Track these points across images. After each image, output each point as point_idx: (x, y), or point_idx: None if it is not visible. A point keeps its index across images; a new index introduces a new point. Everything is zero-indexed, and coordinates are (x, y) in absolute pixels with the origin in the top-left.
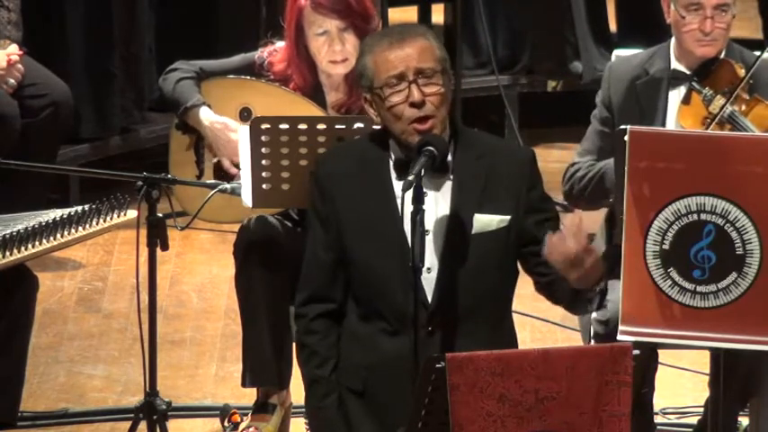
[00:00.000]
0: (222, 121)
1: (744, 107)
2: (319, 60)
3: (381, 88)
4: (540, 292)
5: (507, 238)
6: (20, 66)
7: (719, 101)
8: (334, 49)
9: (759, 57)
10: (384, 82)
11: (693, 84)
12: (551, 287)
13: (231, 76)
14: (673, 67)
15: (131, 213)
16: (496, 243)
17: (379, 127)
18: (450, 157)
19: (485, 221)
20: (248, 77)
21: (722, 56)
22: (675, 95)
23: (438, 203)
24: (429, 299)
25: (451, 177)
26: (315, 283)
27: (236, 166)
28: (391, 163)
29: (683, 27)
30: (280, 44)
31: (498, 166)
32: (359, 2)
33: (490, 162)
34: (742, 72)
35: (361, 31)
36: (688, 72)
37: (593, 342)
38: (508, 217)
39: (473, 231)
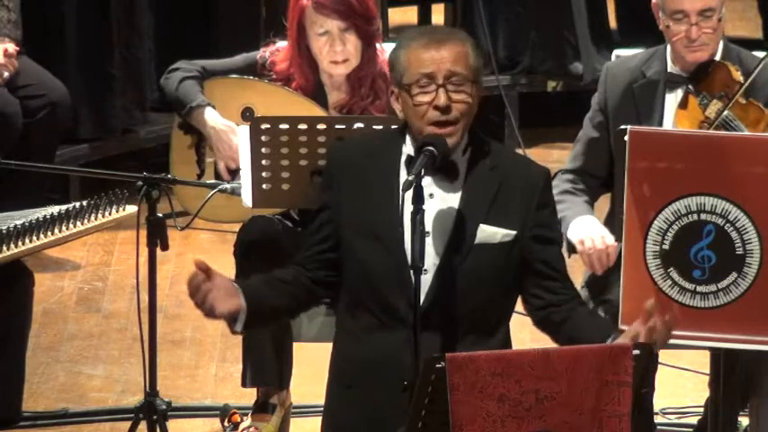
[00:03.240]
0: (227, 125)
1: (739, 111)
2: (320, 60)
3: (410, 86)
4: (536, 323)
5: (509, 253)
6: (14, 60)
7: (715, 105)
8: (335, 49)
9: (760, 63)
10: (413, 80)
11: (689, 87)
12: (567, 324)
13: (233, 76)
14: (669, 70)
15: (130, 209)
16: (498, 256)
17: (380, 127)
18: (463, 164)
19: (490, 233)
20: (250, 77)
21: (718, 57)
22: (672, 99)
23: (445, 207)
24: (422, 299)
25: (462, 183)
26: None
27: (231, 171)
28: (402, 159)
29: (671, 36)
30: (281, 44)
31: (511, 180)
32: (361, 2)
33: (504, 174)
34: (738, 74)
35: (362, 31)
36: (684, 75)
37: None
38: (513, 232)
39: (476, 241)
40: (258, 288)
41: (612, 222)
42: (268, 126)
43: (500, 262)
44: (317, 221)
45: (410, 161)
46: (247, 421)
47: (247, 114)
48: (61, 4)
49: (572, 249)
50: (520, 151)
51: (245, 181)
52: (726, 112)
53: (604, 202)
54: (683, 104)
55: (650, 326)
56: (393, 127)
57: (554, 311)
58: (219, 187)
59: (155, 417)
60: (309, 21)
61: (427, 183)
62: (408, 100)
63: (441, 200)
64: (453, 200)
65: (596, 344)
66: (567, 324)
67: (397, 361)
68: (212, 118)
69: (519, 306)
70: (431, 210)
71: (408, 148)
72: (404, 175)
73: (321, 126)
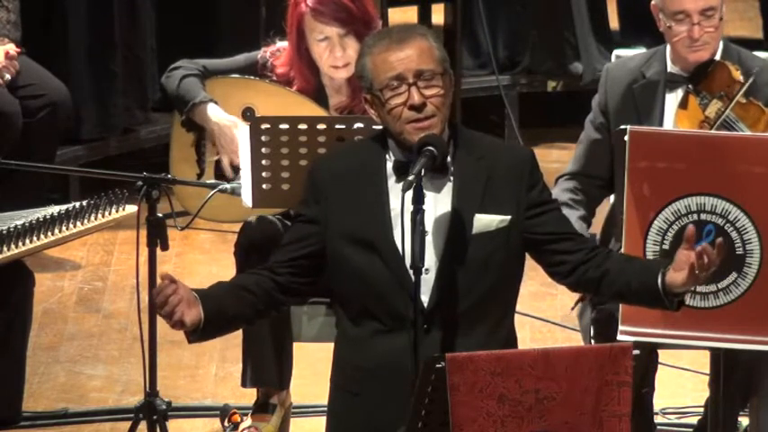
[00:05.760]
0: (231, 120)
1: (740, 110)
2: (321, 65)
3: (381, 90)
4: (572, 286)
5: (508, 239)
6: (16, 62)
7: (716, 104)
8: (335, 55)
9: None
10: (383, 84)
11: (689, 88)
12: (606, 282)
13: (234, 76)
14: (669, 70)
15: (130, 209)
16: (497, 243)
17: (380, 127)
18: (449, 158)
19: (485, 222)
20: (251, 77)
21: (718, 57)
22: (672, 99)
23: (438, 204)
24: (426, 299)
25: (452, 178)
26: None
27: (235, 167)
28: (389, 165)
29: (672, 36)
30: (282, 44)
31: (498, 167)
32: (360, 8)
33: (490, 162)
34: (738, 74)
35: (361, 35)
36: (684, 75)
37: (593, 342)
38: (508, 217)
39: (473, 232)
40: (217, 297)
41: (613, 222)
42: (268, 126)
43: (500, 250)
44: (298, 232)
45: (399, 166)
46: (247, 421)
47: (248, 114)
48: (63, 3)
49: None
50: None
51: (245, 181)
52: (726, 112)
53: (606, 205)
54: (684, 104)
55: (699, 250)
56: (373, 134)
57: (585, 269)
58: (219, 187)
59: (155, 417)
60: (309, 27)
61: None
62: (382, 105)
63: (433, 197)
64: (446, 195)
65: (649, 285)
66: (608, 279)
67: (404, 366)
68: (215, 114)
69: (519, 306)
70: (426, 209)
71: (393, 154)
72: (392, 181)
73: (321, 126)
